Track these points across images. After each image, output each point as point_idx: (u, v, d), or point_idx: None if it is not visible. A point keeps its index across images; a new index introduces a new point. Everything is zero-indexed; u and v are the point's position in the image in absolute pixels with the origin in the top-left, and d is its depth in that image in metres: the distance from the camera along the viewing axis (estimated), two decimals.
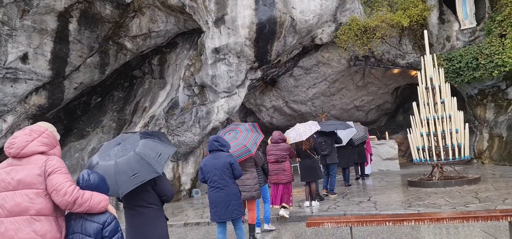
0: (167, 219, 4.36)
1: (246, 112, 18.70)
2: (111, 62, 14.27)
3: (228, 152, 6.18)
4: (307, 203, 9.84)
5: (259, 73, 14.15)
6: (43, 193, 2.96)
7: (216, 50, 13.05)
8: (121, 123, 15.49)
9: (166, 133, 13.31)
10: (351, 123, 13.13)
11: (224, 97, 13.64)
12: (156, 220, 4.00)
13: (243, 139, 6.97)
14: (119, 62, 14.57)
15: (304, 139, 9.56)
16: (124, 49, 14.33)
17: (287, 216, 8.79)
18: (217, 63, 13.24)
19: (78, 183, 3.14)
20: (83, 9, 12.69)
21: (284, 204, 8.77)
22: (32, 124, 13.24)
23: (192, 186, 13.98)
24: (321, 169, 10.59)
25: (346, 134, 12.04)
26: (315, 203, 9.95)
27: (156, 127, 13.42)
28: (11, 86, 12.40)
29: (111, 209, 3.20)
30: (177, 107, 13.85)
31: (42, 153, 3.07)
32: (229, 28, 12.84)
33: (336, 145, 11.42)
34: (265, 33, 12.89)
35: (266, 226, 8.24)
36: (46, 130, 3.22)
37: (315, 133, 9.99)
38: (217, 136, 6.32)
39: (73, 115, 15.51)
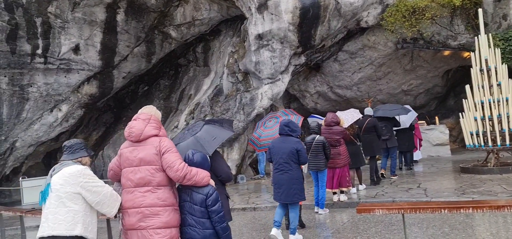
0: (229, 197, 4.75)
1: (289, 99, 18.57)
2: (157, 51, 14.59)
3: (297, 137, 6.45)
4: (353, 190, 9.63)
5: (303, 59, 13.98)
6: (160, 169, 3.64)
7: (260, 37, 12.99)
8: (167, 110, 15.85)
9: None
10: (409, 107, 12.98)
11: (268, 83, 13.59)
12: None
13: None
14: (164, 51, 14.87)
15: (347, 126, 9.47)
16: (169, 38, 14.59)
17: (347, 199, 8.82)
18: (260, 50, 13.19)
19: (185, 161, 3.76)
20: (129, 0, 13.00)
21: (342, 188, 8.75)
22: (84, 112, 13.87)
23: (237, 172, 14.11)
24: (363, 155, 10.45)
25: (407, 118, 12.15)
26: (361, 187, 9.98)
27: (201, 114, 13.61)
28: (65, 76, 12.96)
29: (212, 183, 3.81)
30: (221, 95, 13.96)
31: (155, 135, 3.74)
32: (272, 14, 12.73)
33: (395, 129, 11.50)
34: (308, 17, 12.68)
35: (320, 211, 8.28)
36: (152, 115, 3.87)
37: (375, 118, 10.44)
38: (288, 121, 6.67)
39: (122, 104, 16.04)
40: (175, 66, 16.45)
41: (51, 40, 12.39)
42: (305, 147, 7.00)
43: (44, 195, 3.45)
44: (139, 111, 3.94)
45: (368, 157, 10.83)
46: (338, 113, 9.78)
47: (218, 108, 13.75)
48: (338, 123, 8.70)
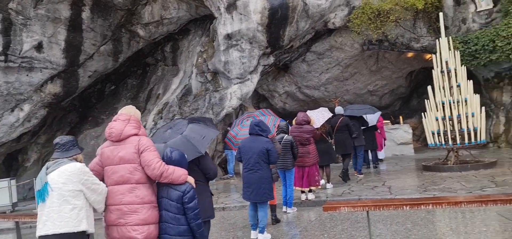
0: (212, 195, 4.93)
1: (259, 98, 18.68)
2: (124, 50, 14.35)
3: (267, 137, 6.51)
4: (329, 185, 10.12)
5: (271, 59, 14.10)
6: (139, 167, 3.77)
7: (229, 36, 13.02)
8: None
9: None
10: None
11: (237, 83, 13.63)
12: (202, 194, 4.43)
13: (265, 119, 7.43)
14: (132, 49, 14.65)
15: (319, 125, 9.70)
16: (137, 37, 14.39)
17: (314, 198, 9.01)
18: (229, 50, 13.22)
19: (163, 159, 3.89)
20: None
21: (311, 187, 8.89)
22: (48, 112, 13.46)
23: None
24: (335, 153, 10.82)
25: (374, 117, 12.56)
26: (329, 185, 10.22)
27: (170, 114, 13.51)
28: (27, 75, 12.55)
29: (190, 180, 3.95)
30: (190, 94, 13.90)
31: (135, 134, 3.86)
32: (241, 14, 12.78)
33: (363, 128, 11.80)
34: (277, 18, 12.81)
35: (288, 210, 8.40)
36: (131, 115, 3.99)
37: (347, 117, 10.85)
38: (258, 121, 6.75)
39: (88, 104, 15.68)
40: (143, 65, 16.22)
41: (12, 37, 11.98)
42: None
43: (42, 194, 3.50)
44: (119, 112, 4.06)
45: (339, 155, 11.10)
46: (309, 112, 9.99)
47: (187, 108, 13.68)
48: (308, 122, 8.88)
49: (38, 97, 13.06)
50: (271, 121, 7.59)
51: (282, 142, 7.88)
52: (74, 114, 15.60)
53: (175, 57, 15.68)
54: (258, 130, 6.50)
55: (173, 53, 15.71)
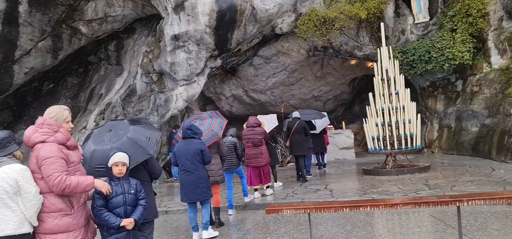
0: (156, 194, 5.03)
1: (205, 101, 18.56)
2: (65, 46, 13.70)
3: (200, 139, 6.78)
4: (277, 184, 10.91)
5: (219, 62, 14.07)
6: (41, 177, 3.53)
7: (176, 37, 12.84)
8: (75, 110, 14.94)
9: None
10: (324, 113, 14.39)
11: (183, 85, 13.47)
12: (148, 194, 4.46)
13: (208, 125, 7.55)
14: (73, 47, 14.01)
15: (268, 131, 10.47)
16: (79, 34, 13.80)
17: (271, 193, 9.70)
18: (176, 51, 13.03)
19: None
20: None
21: (268, 184, 9.60)
22: None
23: None
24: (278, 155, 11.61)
25: (321, 123, 13.19)
26: (277, 184, 10.88)
27: (113, 114, 13.08)
28: None
29: (98, 183, 3.76)
30: (134, 95, 13.54)
31: (42, 141, 3.57)
32: (189, 15, 12.65)
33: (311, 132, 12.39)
34: (225, 21, 12.81)
35: (230, 211, 8.65)
36: (46, 119, 3.69)
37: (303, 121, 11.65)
38: (190, 124, 6.93)
39: (23, 102, 14.81)
40: (84, 63, 15.58)
41: None
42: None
43: None
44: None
45: (290, 156, 11.84)
46: (260, 117, 10.89)
47: (131, 109, 13.31)
48: (259, 125, 9.61)
49: None
50: (218, 123, 7.73)
51: (226, 143, 8.35)
52: (8, 113, 14.68)
53: (119, 56, 15.21)
54: (190, 133, 6.69)
55: (117, 52, 15.23)
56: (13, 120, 14.57)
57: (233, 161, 8.64)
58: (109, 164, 4.04)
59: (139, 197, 4.08)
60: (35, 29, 12.57)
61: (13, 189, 3.36)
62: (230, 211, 8.59)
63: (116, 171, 4.02)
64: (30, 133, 3.65)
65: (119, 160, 4.03)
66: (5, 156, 3.48)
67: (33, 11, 12.27)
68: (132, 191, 4.03)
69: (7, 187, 3.34)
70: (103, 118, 13.03)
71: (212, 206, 7.49)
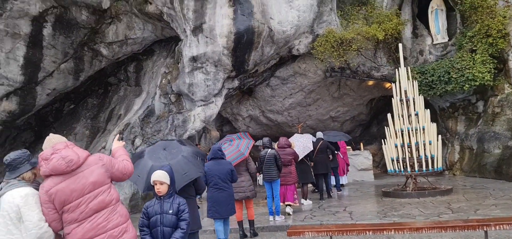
0: (199, 207, 5.57)
1: (222, 122, 18.64)
2: (86, 68, 13.98)
3: (227, 160, 7.42)
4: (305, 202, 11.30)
5: (236, 83, 14.15)
6: (111, 186, 3.64)
7: (194, 59, 12.99)
8: (94, 130, 15.16)
9: (141, 141, 13.12)
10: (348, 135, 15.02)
11: (200, 106, 13.56)
12: (194, 207, 5.12)
13: (236, 145, 8.24)
14: (94, 68, 14.29)
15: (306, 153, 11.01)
16: (100, 56, 14.07)
17: (291, 213, 9.88)
18: (194, 72, 13.17)
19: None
20: (58, 14, 12.41)
21: (289, 203, 9.90)
22: (1, 130, 12.81)
23: None
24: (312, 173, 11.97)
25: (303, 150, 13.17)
26: (306, 202, 11.24)
27: (131, 135, 13.20)
28: None
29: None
30: (153, 115, 13.67)
31: (88, 155, 3.62)
32: (207, 37, 12.81)
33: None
34: (243, 42, 12.92)
35: (277, 218, 9.30)
36: (62, 142, 3.63)
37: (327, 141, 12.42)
38: (220, 146, 7.56)
39: (44, 122, 15.09)
40: (104, 84, 15.84)
41: None
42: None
43: None
44: (50, 145, 3.62)
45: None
46: (295, 136, 11.60)
47: (149, 129, 13.43)
48: (290, 146, 10.07)
49: None
50: (245, 143, 8.37)
51: (266, 156, 9.06)
52: (29, 133, 14.96)
53: (139, 77, 15.43)
54: (220, 154, 7.31)
55: (137, 73, 15.47)
56: (34, 140, 14.83)
57: (273, 172, 9.09)
58: (151, 182, 4.13)
59: (181, 218, 3.98)
60: (58, 51, 12.87)
61: (16, 215, 3.26)
62: (277, 218, 9.23)
63: (155, 189, 4.04)
64: (75, 152, 3.52)
65: (157, 179, 4.02)
66: (15, 177, 3.40)
67: (57, 34, 12.59)
68: (171, 211, 3.95)
69: (11, 213, 3.26)
70: (122, 139, 13.16)
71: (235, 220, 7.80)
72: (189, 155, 5.00)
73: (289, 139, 10.55)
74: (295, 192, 10.04)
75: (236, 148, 8.17)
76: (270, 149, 9.23)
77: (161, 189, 4.02)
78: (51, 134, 3.80)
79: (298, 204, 10.30)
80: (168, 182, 4.06)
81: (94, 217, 3.44)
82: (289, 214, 9.74)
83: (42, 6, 11.98)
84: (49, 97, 13.68)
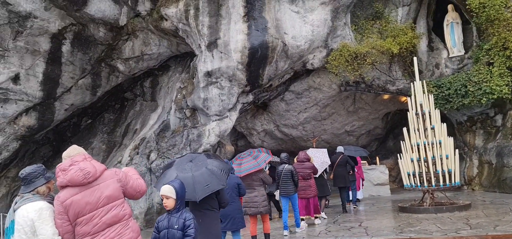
0: (221, 221, 5.72)
1: (237, 136, 18.67)
2: (103, 84, 14.24)
3: (235, 174, 7.51)
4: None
5: (250, 97, 14.20)
6: (124, 200, 3.72)
7: (208, 74, 13.10)
8: (111, 145, 15.36)
9: (156, 155, 13.23)
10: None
11: (215, 120, 13.63)
12: (216, 220, 5.28)
13: (253, 158, 8.41)
14: (110, 84, 14.54)
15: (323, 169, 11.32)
16: (116, 71, 14.32)
17: (319, 223, 10.27)
18: (209, 87, 13.28)
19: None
20: (76, 31, 12.72)
21: (316, 215, 10.27)
22: (20, 145, 13.10)
23: None
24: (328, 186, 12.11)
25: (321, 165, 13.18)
26: (322, 215, 11.30)
27: (147, 149, 13.33)
28: (1, 107, 12.28)
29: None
30: (168, 130, 13.79)
31: (105, 169, 3.72)
32: (221, 52, 12.93)
33: None
34: (257, 57, 13.00)
35: (297, 229, 9.57)
36: (80, 155, 3.75)
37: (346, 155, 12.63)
38: (227, 160, 7.61)
39: (62, 137, 15.35)
40: (121, 100, 16.09)
41: None
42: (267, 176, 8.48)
43: (8, 232, 3.38)
44: (69, 157, 3.69)
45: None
46: (311, 150, 11.80)
47: (164, 144, 13.54)
48: (308, 160, 10.25)
49: (11, 130, 12.74)
50: (263, 157, 8.50)
51: (283, 171, 9.23)
52: (48, 148, 15.23)
53: (154, 92, 15.63)
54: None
55: (152, 88, 15.67)
56: (53, 154, 15.09)
57: (290, 188, 9.24)
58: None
59: (185, 234, 3.98)
60: (76, 67, 13.16)
61: (31, 229, 3.30)
62: (297, 229, 9.50)
63: (163, 203, 4.11)
64: (92, 165, 3.59)
65: (163, 193, 4.06)
66: (30, 191, 3.45)
67: (75, 51, 12.88)
68: (176, 226, 3.96)
69: (25, 227, 3.31)
70: (138, 153, 13.30)
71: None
72: (214, 167, 5.14)
73: (311, 151, 10.93)
74: (317, 204, 10.37)
75: (253, 159, 8.36)
76: (287, 165, 9.37)
77: (168, 204, 4.04)
78: (74, 145, 3.91)
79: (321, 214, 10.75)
80: (174, 197, 4.05)
81: (107, 231, 3.46)
82: (315, 225, 10.20)
83: (61, 24, 12.28)
84: (67, 113, 13.95)
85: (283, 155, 9.68)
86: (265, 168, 9.50)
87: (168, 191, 4.06)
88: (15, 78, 12.13)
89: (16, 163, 14.27)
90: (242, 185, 7.32)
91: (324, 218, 11.21)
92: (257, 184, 8.14)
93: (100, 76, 14.04)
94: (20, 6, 11.49)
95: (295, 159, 10.44)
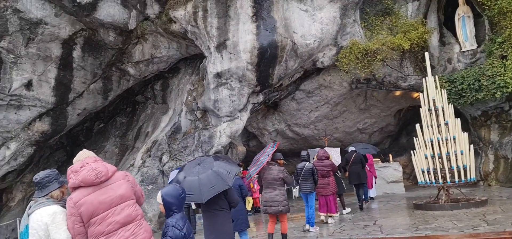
0: (233, 221, 5.83)
1: (248, 136, 18.65)
2: (114, 88, 14.34)
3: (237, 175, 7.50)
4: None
5: (261, 97, 14.17)
6: (136, 201, 3.80)
7: (218, 75, 13.11)
8: (123, 148, 15.47)
9: (168, 158, 13.27)
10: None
11: (226, 121, 13.63)
12: (227, 220, 5.47)
13: (256, 160, 8.63)
14: (122, 88, 14.64)
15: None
16: (127, 75, 14.42)
17: (333, 222, 10.30)
18: (219, 88, 13.28)
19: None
20: (87, 37, 12.83)
21: (330, 214, 10.40)
22: (35, 150, 13.27)
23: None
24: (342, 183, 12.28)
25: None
26: (345, 211, 11.73)
27: (159, 151, 13.38)
28: (15, 113, 12.43)
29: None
30: (179, 132, 13.83)
31: (116, 170, 3.77)
32: (230, 53, 12.92)
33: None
34: (266, 57, 12.96)
35: (311, 228, 9.56)
36: (91, 157, 3.76)
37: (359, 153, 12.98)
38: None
39: (76, 142, 15.51)
40: (132, 103, 16.20)
41: (1, 75, 11.93)
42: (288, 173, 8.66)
43: (23, 236, 3.42)
44: (81, 160, 3.70)
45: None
46: (327, 149, 12.17)
47: (176, 146, 13.58)
48: (328, 158, 10.51)
49: (26, 135, 12.90)
50: (266, 152, 8.70)
51: (304, 169, 9.36)
52: (62, 153, 15.40)
53: (165, 95, 15.70)
54: None
55: (163, 91, 15.74)
56: (67, 159, 15.25)
57: (309, 185, 9.41)
58: None
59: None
60: (88, 72, 13.27)
61: (45, 233, 3.32)
62: (311, 229, 9.51)
63: None
64: (104, 165, 3.66)
65: (157, 199, 4.11)
66: (44, 196, 3.47)
67: (86, 56, 12.99)
68: (162, 232, 3.99)
69: (39, 231, 3.32)
70: (150, 156, 13.36)
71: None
72: (220, 169, 5.25)
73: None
74: (335, 202, 10.49)
75: (256, 161, 8.57)
76: (307, 162, 9.51)
77: (161, 209, 4.06)
78: (83, 149, 3.94)
79: (337, 214, 10.88)
80: (161, 202, 4.00)
81: (121, 230, 3.47)
82: (327, 223, 10.28)
83: (71, 29, 12.40)
84: (80, 117, 14.08)
85: (304, 152, 9.82)
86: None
87: (158, 197, 4.06)
88: (28, 85, 12.28)
89: (31, 168, 14.45)
90: (244, 186, 7.39)
91: (349, 212, 11.68)
92: (278, 183, 8.19)
93: (111, 80, 14.15)
94: (31, 13, 11.63)
95: (314, 157, 10.74)
